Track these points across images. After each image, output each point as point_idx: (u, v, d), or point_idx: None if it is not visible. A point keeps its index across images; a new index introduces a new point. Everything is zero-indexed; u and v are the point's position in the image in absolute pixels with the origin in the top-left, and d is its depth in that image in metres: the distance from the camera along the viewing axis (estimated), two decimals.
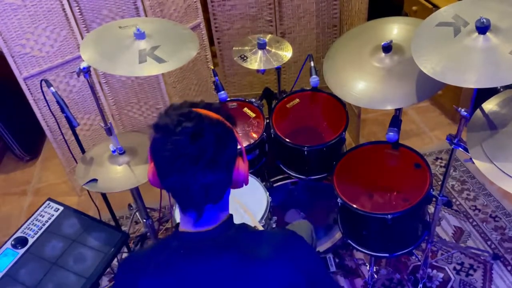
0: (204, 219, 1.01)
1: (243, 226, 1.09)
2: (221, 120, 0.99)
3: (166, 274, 0.99)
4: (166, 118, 0.97)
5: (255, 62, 2.14)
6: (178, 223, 1.07)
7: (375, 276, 2.14)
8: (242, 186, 1.07)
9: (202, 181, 0.94)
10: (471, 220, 2.41)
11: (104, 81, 2.61)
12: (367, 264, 2.21)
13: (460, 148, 1.64)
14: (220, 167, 0.96)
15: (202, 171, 0.93)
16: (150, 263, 1.00)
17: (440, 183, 2.54)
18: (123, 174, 1.89)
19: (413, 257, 2.23)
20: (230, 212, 1.08)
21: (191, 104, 1.01)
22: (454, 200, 2.52)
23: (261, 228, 1.67)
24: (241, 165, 1.04)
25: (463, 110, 1.56)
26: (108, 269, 2.13)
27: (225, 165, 0.98)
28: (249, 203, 1.78)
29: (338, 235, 2.18)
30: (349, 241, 1.96)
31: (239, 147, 1.04)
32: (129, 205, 2.57)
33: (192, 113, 0.96)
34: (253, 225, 1.67)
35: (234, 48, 2.22)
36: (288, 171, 2.17)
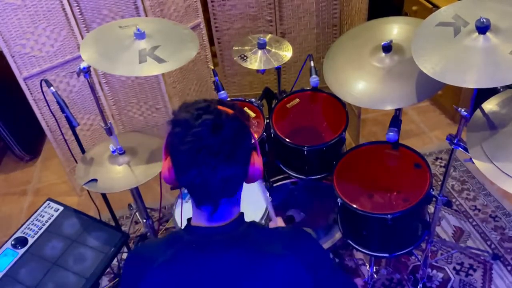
0: (219, 213, 1.02)
1: (254, 223, 1.10)
2: (237, 115, 1.00)
3: (176, 267, 0.99)
4: (183, 113, 0.98)
5: (255, 62, 2.14)
6: (190, 218, 1.07)
7: (375, 276, 2.14)
8: (256, 180, 1.08)
9: (222, 174, 0.95)
10: (471, 220, 2.41)
11: (104, 81, 2.61)
12: (367, 264, 2.21)
13: (460, 148, 1.64)
14: (238, 161, 0.98)
15: (222, 164, 0.94)
16: (161, 254, 1.01)
17: (440, 183, 2.54)
18: (123, 174, 1.89)
19: (413, 257, 2.23)
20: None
21: (205, 101, 1.02)
22: (454, 200, 2.52)
23: (273, 213, 1.65)
24: (256, 159, 1.06)
25: (463, 110, 1.56)
26: (108, 269, 2.14)
27: (243, 159, 1.00)
28: (249, 203, 1.77)
29: (338, 235, 2.18)
30: (349, 241, 1.96)
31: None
32: (129, 205, 2.57)
33: (210, 107, 0.98)
34: (260, 216, 1.66)
35: (234, 48, 2.22)
36: (288, 171, 2.17)
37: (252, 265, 0.99)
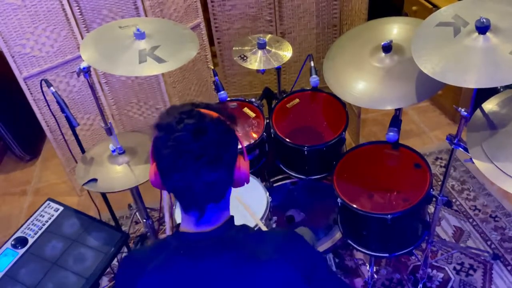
0: (206, 218, 1.01)
1: (244, 227, 1.09)
2: (222, 119, 0.99)
3: (165, 274, 0.99)
4: (167, 117, 0.97)
5: (255, 62, 2.14)
6: (179, 224, 1.06)
7: (375, 276, 2.14)
8: (243, 184, 1.07)
9: (205, 179, 0.94)
10: (471, 220, 2.41)
11: (104, 81, 2.61)
12: (367, 264, 2.21)
13: (460, 148, 1.64)
14: (222, 165, 0.96)
15: (204, 169, 0.93)
16: (150, 262, 1.00)
17: (440, 183, 2.54)
18: (123, 174, 1.89)
19: (413, 257, 2.23)
20: (231, 210, 1.08)
21: (191, 104, 1.02)
22: (454, 200, 2.52)
23: (262, 226, 1.67)
24: (242, 163, 1.04)
25: (463, 110, 1.56)
26: (108, 269, 2.13)
27: (227, 163, 0.98)
28: (249, 203, 1.78)
29: (338, 235, 2.18)
30: (349, 241, 1.96)
31: (239, 146, 1.04)
32: (129, 205, 2.57)
33: (194, 111, 0.97)
34: (254, 223, 1.68)
35: (234, 48, 2.22)
36: (288, 171, 2.17)
37: (242, 270, 0.98)
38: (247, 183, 1.07)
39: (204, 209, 0.99)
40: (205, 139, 0.93)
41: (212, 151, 0.94)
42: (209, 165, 0.93)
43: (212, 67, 2.59)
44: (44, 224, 1.84)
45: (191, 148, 0.92)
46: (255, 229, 1.70)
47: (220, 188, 1.00)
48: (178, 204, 1.92)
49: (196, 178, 0.94)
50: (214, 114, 0.98)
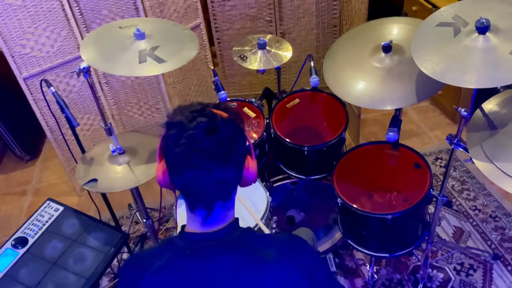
0: (213, 217, 1.01)
1: (249, 229, 1.09)
2: (232, 118, 1.00)
3: (170, 274, 0.99)
4: (178, 116, 0.98)
5: (255, 62, 2.14)
6: (185, 225, 1.07)
7: (375, 276, 2.14)
8: (250, 184, 1.08)
9: (217, 176, 0.95)
10: (471, 220, 2.41)
11: (104, 81, 2.61)
12: (367, 264, 2.21)
13: (460, 148, 1.64)
14: (233, 163, 0.98)
15: (217, 166, 0.94)
16: (155, 262, 1.01)
17: (440, 183, 2.54)
18: (123, 174, 1.89)
19: (413, 257, 2.23)
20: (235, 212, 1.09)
21: (200, 104, 1.02)
22: (454, 200, 2.52)
23: (263, 226, 1.67)
24: (251, 163, 1.06)
25: (463, 110, 1.56)
26: (108, 269, 2.14)
27: (237, 161, 1.00)
28: (249, 203, 1.78)
29: (338, 235, 2.18)
30: (349, 241, 1.96)
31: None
32: (129, 205, 2.57)
33: (205, 110, 0.98)
34: (254, 223, 1.68)
35: (234, 48, 2.22)
36: (288, 171, 2.17)
37: (246, 271, 0.98)
38: (254, 182, 1.09)
39: (212, 207, 1.00)
40: (218, 137, 0.94)
41: (224, 149, 0.95)
42: (221, 162, 0.95)
43: (212, 67, 2.59)
44: (44, 224, 1.84)
45: (204, 145, 0.93)
46: (256, 229, 1.71)
47: (229, 186, 1.01)
48: (179, 204, 1.92)
49: (208, 175, 0.94)
50: (224, 114, 1.00)
